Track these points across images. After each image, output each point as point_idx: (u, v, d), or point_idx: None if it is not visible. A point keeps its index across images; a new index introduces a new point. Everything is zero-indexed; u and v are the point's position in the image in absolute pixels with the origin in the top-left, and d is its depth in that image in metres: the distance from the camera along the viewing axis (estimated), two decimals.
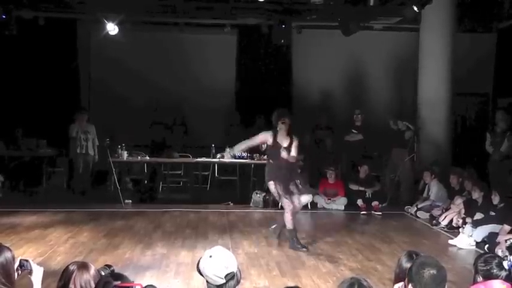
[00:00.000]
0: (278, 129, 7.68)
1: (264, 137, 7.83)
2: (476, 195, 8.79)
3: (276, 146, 7.68)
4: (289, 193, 7.64)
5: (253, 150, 11.32)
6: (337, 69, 13.94)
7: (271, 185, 7.75)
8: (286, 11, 11.50)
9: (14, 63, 12.95)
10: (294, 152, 7.66)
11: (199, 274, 3.10)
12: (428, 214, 10.06)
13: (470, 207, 8.86)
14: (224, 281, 2.99)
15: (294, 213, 7.75)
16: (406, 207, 10.79)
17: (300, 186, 7.75)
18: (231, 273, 3.01)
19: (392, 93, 14.01)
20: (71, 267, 3.15)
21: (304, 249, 7.61)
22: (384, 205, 10.95)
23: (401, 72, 13.77)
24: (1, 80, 12.90)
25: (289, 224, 7.71)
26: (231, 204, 11.19)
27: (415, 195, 11.06)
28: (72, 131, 11.70)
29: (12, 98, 12.85)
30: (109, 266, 3.34)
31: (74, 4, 11.53)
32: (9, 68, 12.94)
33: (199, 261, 3.10)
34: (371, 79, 14.10)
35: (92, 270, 3.18)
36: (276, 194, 7.84)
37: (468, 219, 8.57)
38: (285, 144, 7.66)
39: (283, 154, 7.56)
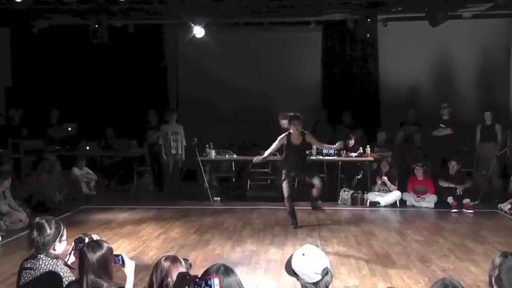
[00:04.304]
0: (291, 131, 8.92)
1: (282, 140, 8.95)
2: None
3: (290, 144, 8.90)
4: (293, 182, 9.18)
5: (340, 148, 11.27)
6: (425, 62, 13.51)
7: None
8: (371, 4, 11.26)
9: (105, 68, 13.54)
10: (314, 142, 9.37)
11: (289, 275, 3.08)
12: None
13: None
14: (321, 277, 2.97)
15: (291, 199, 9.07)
16: (499, 205, 10.35)
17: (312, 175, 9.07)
18: (325, 268, 2.99)
19: (484, 86, 13.37)
20: (165, 262, 3.26)
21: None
22: (475, 203, 10.55)
23: (493, 62, 13.16)
24: (93, 84, 13.54)
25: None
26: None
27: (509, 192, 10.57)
28: (164, 131, 12.06)
29: (103, 101, 13.44)
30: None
31: (162, 10, 11.85)
32: (101, 73, 13.54)
33: (289, 262, 3.09)
34: (460, 71, 13.53)
35: (184, 263, 3.32)
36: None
37: None
38: (298, 142, 8.89)
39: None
